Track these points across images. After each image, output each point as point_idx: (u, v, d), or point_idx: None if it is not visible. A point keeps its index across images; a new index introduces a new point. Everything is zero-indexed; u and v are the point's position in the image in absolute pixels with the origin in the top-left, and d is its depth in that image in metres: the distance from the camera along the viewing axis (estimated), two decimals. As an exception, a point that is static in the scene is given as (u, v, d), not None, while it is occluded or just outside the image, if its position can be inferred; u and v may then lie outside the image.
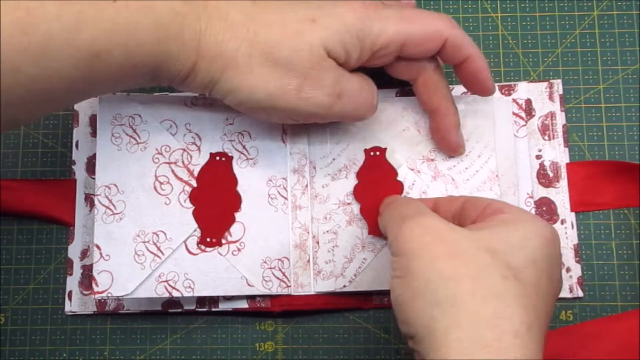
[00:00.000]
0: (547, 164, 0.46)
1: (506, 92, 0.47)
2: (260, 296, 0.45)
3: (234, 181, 0.45)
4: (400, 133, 0.45)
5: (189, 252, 0.43)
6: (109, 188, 0.43)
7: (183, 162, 0.44)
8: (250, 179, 0.45)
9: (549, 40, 0.49)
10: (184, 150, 0.44)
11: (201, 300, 0.45)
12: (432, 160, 0.45)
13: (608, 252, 0.46)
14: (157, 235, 0.43)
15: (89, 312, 0.46)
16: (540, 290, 0.33)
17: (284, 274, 0.44)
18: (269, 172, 0.45)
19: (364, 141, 0.45)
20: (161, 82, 0.38)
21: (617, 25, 0.48)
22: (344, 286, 0.44)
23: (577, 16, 0.49)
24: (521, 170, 0.45)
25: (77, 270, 0.46)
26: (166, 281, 0.43)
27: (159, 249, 0.43)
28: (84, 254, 0.47)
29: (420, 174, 0.44)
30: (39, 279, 0.47)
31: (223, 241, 0.44)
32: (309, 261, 0.45)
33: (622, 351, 0.43)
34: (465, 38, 0.40)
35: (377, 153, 0.45)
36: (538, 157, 0.46)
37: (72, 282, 0.46)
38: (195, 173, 0.44)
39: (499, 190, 0.44)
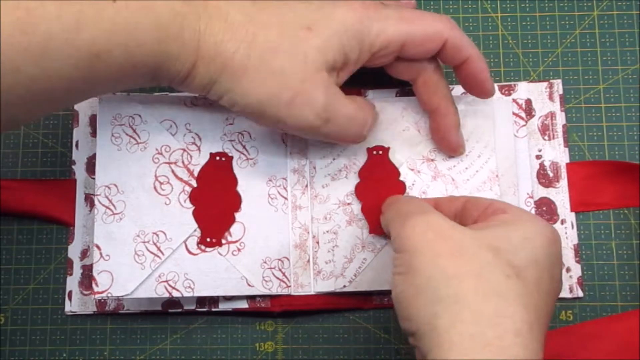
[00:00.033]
0: (547, 164, 0.46)
1: (506, 92, 0.47)
2: (260, 296, 0.45)
3: (234, 181, 0.45)
4: (400, 133, 0.45)
5: (189, 252, 0.43)
6: (109, 188, 0.43)
7: (183, 162, 0.44)
8: (250, 179, 0.45)
9: (549, 40, 0.49)
10: (184, 150, 0.44)
11: (201, 300, 0.45)
12: (432, 160, 0.45)
13: (608, 252, 0.46)
14: (157, 235, 0.43)
15: (89, 312, 0.46)
16: (542, 289, 0.33)
17: (284, 274, 0.44)
18: (269, 172, 0.45)
19: (364, 141, 0.45)
20: (161, 82, 0.38)
21: (617, 25, 0.48)
22: (344, 286, 0.44)
23: (577, 16, 0.49)
24: (521, 170, 0.45)
25: (77, 270, 0.46)
26: (166, 281, 0.43)
27: (159, 249, 0.43)
28: (84, 254, 0.47)
29: (420, 174, 0.45)
30: (39, 279, 0.47)
31: (223, 241, 0.44)
32: (309, 261, 0.45)
33: (622, 351, 0.43)
34: (465, 39, 0.40)
35: (380, 152, 0.45)
36: (538, 157, 0.46)
37: (72, 282, 0.46)
38: (195, 173, 0.44)
39: (499, 190, 0.44)
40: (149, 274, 0.43)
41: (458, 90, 0.46)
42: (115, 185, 0.44)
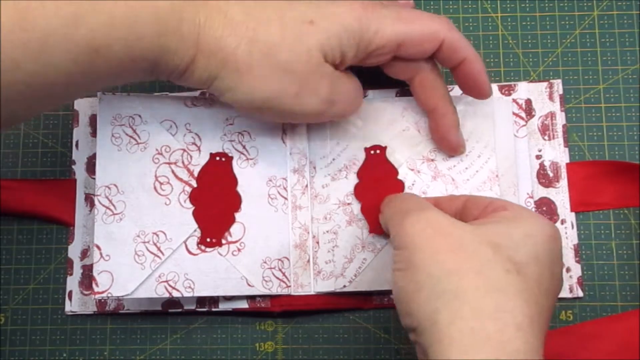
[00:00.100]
0: (547, 164, 0.46)
1: (506, 92, 0.47)
2: (260, 296, 0.45)
3: (234, 181, 0.45)
4: (400, 133, 0.45)
5: (189, 252, 0.43)
6: (109, 188, 0.43)
7: (183, 162, 0.44)
8: (250, 179, 0.45)
9: (549, 40, 0.49)
10: (184, 150, 0.44)
11: (201, 300, 0.45)
12: (432, 160, 0.45)
13: (608, 252, 0.46)
14: (157, 235, 0.43)
15: (89, 312, 0.46)
16: (542, 286, 0.33)
17: (284, 274, 0.44)
18: (269, 172, 0.45)
19: (364, 141, 0.45)
20: (159, 76, 0.38)
21: (617, 25, 0.48)
22: (344, 286, 0.44)
23: (577, 16, 0.49)
24: (521, 170, 0.45)
25: (77, 270, 0.46)
26: (166, 281, 0.43)
27: (159, 249, 0.43)
28: (84, 254, 0.47)
29: (420, 174, 0.45)
30: (39, 279, 0.47)
31: (223, 241, 0.44)
32: (309, 261, 0.45)
33: (622, 351, 0.43)
34: (462, 40, 0.40)
35: (378, 151, 0.45)
36: (538, 157, 0.46)
37: (72, 282, 0.46)
38: (195, 173, 0.44)
39: (499, 190, 0.44)
40: (149, 274, 0.43)
41: (458, 90, 0.46)
42: (115, 185, 0.44)
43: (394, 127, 0.45)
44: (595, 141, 0.47)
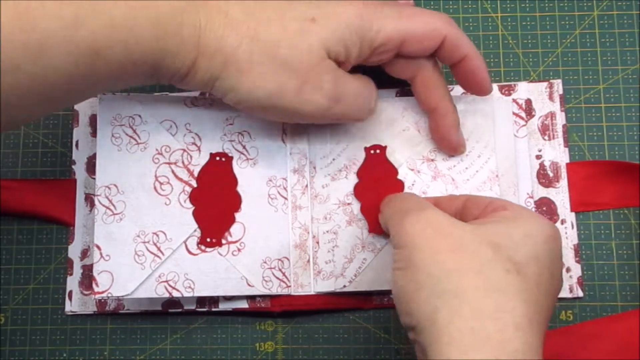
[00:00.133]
0: (547, 164, 0.46)
1: (506, 92, 0.47)
2: (260, 296, 0.45)
3: (234, 181, 0.45)
4: (400, 133, 0.45)
5: (189, 252, 0.43)
6: (109, 188, 0.44)
7: (183, 162, 0.44)
8: (250, 179, 0.45)
9: (549, 40, 0.49)
10: (184, 150, 0.44)
11: (201, 300, 0.45)
12: (432, 160, 0.45)
13: (608, 252, 0.46)
14: (157, 235, 0.43)
15: (89, 312, 0.46)
16: (542, 286, 0.33)
17: (284, 274, 0.44)
18: (269, 172, 0.45)
19: (364, 141, 0.45)
20: (161, 80, 0.38)
21: (617, 25, 0.48)
22: (344, 286, 0.44)
23: (577, 16, 0.49)
24: (521, 170, 0.45)
25: (77, 270, 0.46)
26: (166, 281, 0.43)
27: (159, 249, 0.43)
28: (84, 254, 0.47)
29: (420, 174, 0.44)
30: (39, 279, 0.47)
31: (223, 241, 0.44)
32: (309, 261, 0.45)
33: (622, 351, 0.43)
34: (463, 37, 0.41)
35: (378, 151, 0.45)
36: (538, 157, 0.46)
37: (72, 282, 0.46)
38: (195, 173, 0.44)
39: (499, 190, 0.44)
40: (149, 274, 0.43)
41: (458, 90, 0.46)
42: (115, 185, 0.44)
43: (394, 127, 0.45)
44: (595, 141, 0.47)
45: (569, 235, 0.46)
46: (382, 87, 0.47)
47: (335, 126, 0.45)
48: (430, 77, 0.42)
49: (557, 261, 0.35)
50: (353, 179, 0.45)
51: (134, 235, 0.43)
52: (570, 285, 0.45)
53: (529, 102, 0.47)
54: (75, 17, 0.33)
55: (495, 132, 0.45)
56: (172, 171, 0.44)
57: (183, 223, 0.43)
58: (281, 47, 0.37)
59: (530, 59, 0.48)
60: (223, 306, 0.45)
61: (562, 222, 0.46)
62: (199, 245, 0.43)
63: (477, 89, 0.42)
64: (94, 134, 0.48)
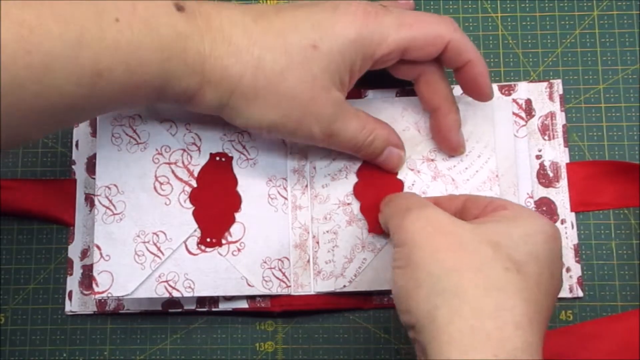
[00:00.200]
0: (547, 164, 0.46)
1: (506, 92, 0.47)
2: (260, 296, 0.45)
3: (234, 181, 0.45)
4: (400, 133, 0.45)
5: (189, 252, 0.43)
6: (109, 188, 0.44)
7: (183, 162, 0.44)
8: (250, 179, 0.45)
9: (549, 40, 0.49)
10: (184, 150, 0.44)
11: (201, 300, 0.45)
12: (432, 160, 0.45)
13: (608, 252, 0.46)
14: (157, 235, 0.43)
15: (89, 312, 0.46)
16: (542, 285, 0.33)
17: (284, 274, 0.44)
18: (269, 172, 0.45)
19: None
20: (167, 101, 0.38)
21: (617, 25, 0.48)
22: (344, 286, 0.44)
23: (577, 16, 0.49)
24: (521, 170, 0.45)
25: (77, 270, 0.46)
26: (166, 281, 0.43)
27: (159, 249, 0.43)
28: (84, 254, 0.47)
29: (420, 174, 0.44)
30: (39, 279, 0.47)
31: (223, 241, 0.44)
32: (309, 261, 0.45)
33: (622, 351, 0.43)
34: (466, 42, 0.40)
35: (377, 151, 0.45)
36: (538, 157, 0.46)
37: (72, 282, 0.46)
38: (195, 173, 0.44)
39: (499, 190, 0.44)
40: (149, 274, 0.43)
41: (458, 90, 0.46)
42: (115, 185, 0.44)
43: (393, 127, 0.45)
44: (595, 141, 0.47)
45: (569, 235, 0.46)
46: (382, 87, 0.47)
47: (336, 126, 0.45)
48: (434, 77, 0.42)
49: (557, 261, 0.35)
50: (353, 179, 0.45)
51: (134, 235, 0.43)
52: (570, 285, 0.45)
53: (529, 102, 0.47)
54: (79, 38, 0.33)
55: (495, 132, 0.45)
56: (172, 171, 0.44)
57: (183, 223, 0.43)
58: (286, 78, 0.38)
59: (530, 59, 0.48)
60: (223, 306, 0.45)
61: (562, 222, 0.46)
62: (199, 245, 0.43)
63: (478, 94, 0.42)
64: (94, 134, 0.48)
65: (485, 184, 0.44)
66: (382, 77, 0.44)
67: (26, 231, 0.48)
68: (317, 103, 0.39)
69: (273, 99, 0.38)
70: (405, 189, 0.44)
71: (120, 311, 0.46)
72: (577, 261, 0.45)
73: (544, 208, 0.46)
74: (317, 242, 0.45)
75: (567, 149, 0.47)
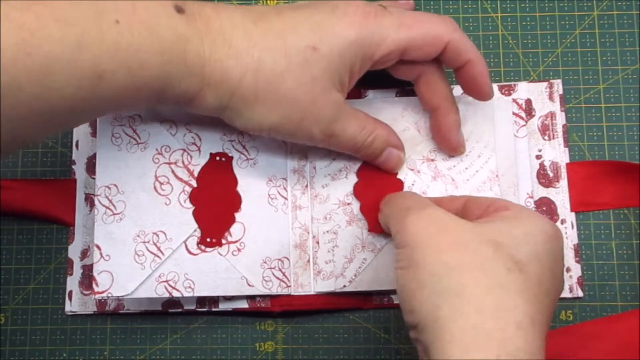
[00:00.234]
0: (547, 164, 0.46)
1: (506, 92, 0.47)
2: (260, 296, 0.45)
3: (234, 181, 0.45)
4: (400, 133, 0.45)
5: (189, 252, 0.43)
6: (109, 188, 0.44)
7: (183, 162, 0.44)
8: (250, 179, 0.45)
9: (549, 40, 0.49)
10: (184, 150, 0.44)
11: (201, 300, 0.45)
12: (432, 160, 0.45)
13: (608, 252, 0.46)
14: (157, 235, 0.43)
15: (89, 312, 0.46)
16: (543, 285, 0.33)
17: (284, 274, 0.44)
18: (269, 172, 0.45)
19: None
20: (167, 103, 0.38)
21: (617, 25, 0.48)
22: (344, 286, 0.44)
23: (577, 16, 0.49)
24: (521, 170, 0.45)
25: (77, 270, 0.46)
26: (166, 281, 0.43)
27: (159, 249, 0.43)
28: (84, 254, 0.47)
29: (420, 174, 0.44)
30: (39, 279, 0.47)
31: (223, 241, 0.44)
32: (309, 261, 0.45)
33: (622, 351, 0.43)
34: (466, 42, 0.40)
35: (378, 151, 0.45)
36: (538, 157, 0.46)
37: (72, 282, 0.46)
38: (195, 173, 0.44)
39: (499, 190, 0.44)
40: (149, 274, 0.43)
41: (458, 90, 0.46)
42: (115, 185, 0.44)
43: (393, 127, 0.45)
44: (595, 141, 0.47)
45: (569, 235, 0.46)
46: (382, 87, 0.47)
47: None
48: (433, 77, 0.42)
49: (559, 261, 0.35)
50: (353, 179, 0.45)
51: (134, 235, 0.43)
52: (570, 285, 0.45)
53: (529, 102, 0.47)
54: (80, 40, 0.33)
55: (495, 132, 0.45)
56: (172, 171, 0.44)
57: (183, 223, 0.43)
58: (286, 80, 0.38)
59: (530, 59, 0.48)
60: (223, 306, 0.45)
61: (562, 222, 0.46)
62: (199, 245, 0.43)
63: (478, 94, 0.42)
64: (94, 134, 0.48)
65: (485, 184, 0.44)
66: (382, 77, 0.44)
67: (26, 231, 0.48)
68: (317, 104, 0.39)
69: (273, 100, 0.38)
70: (405, 189, 0.44)
71: (120, 311, 0.46)
72: (577, 261, 0.45)
73: (544, 208, 0.46)
74: (317, 242, 0.45)
75: (567, 149, 0.47)
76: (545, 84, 0.47)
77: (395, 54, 0.40)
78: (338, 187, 0.45)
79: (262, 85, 0.37)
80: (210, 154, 0.45)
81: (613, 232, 0.46)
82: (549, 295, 0.33)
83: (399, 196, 0.40)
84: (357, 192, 0.44)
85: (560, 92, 0.47)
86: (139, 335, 0.46)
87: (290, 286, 0.44)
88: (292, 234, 0.45)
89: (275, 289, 0.44)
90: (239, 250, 0.44)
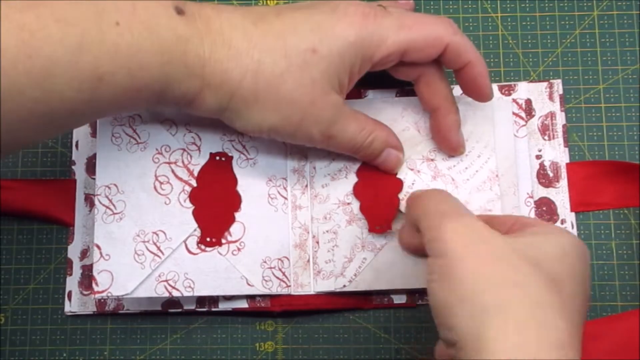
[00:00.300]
0: (547, 164, 0.46)
1: (506, 92, 0.47)
2: (260, 296, 0.45)
3: (234, 181, 0.45)
4: (400, 133, 0.45)
5: (189, 251, 0.43)
6: (109, 188, 0.44)
7: (183, 162, 0.44)
8: (250, 178, 0.45)
9: (549, 40, 0.49)
10: (184, 150, 0.44)
11: (201, 300, 0.45)
12: (432, 160, 0.45)
13: (608, 252, 0.46)
14: (157, 235, 0.43)
15: (89, 312, 0.46)
16: (576, 303, 0.32)
17: (283, 273, 0.44)
18: (269, 172, 0.45)
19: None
20: (167, 105, 0.38)
21: (617, 25, 0.48)
22: (344, 286, 0.44)
23: (577, 16, 0.49)
24: (521, 170, 0.45)
25: (76, 271, 0.46)
26: (166, 281, 0.43)
27: (158, 248, 0.43)
28: (84, 254, 0.47)
29: (420, 173, 0.44)
30: (39, 279, 0.47)
31: (223, 241, 0.44)
32: (308, 261, 0.45)
33: (622, 351, 0.43)
34: (466, 44, 0.40)
35: (377, 150, 0.45)
36: (538, 157, 0.46)
37: (72, 282, 0.46)
38: (195, 173, 0.44)
39: (499, 190, 0.44)
40: (149, 274, 0.43)
41: (458, 90, 0.46)
42: (115, 185, 0.44)
43: (393, 127, 0.45)
44: (595, 141, 0.47)
45: (569, 235, 0.46)
46: (382, 87, 0.47)
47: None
48: (433, 77, 0.42)
49: (589, 278, 0.34)
50: (353, 179, 0.45)
51: (134, 234, 0.43)
52: (571, 285, 0.45)
53: (529, 102, 0.47)
54: (80, 42, 0.33)
55: (495, 132, 0.45)
56: (172, 171, 0.44)
57: (183, 222, 0.43)
58: (285, 81, 0.38)
59: (530, 59, 0.48)
60: (223, 306, 0.45)
61: (562, 222, 0.46)
62: (199, 245, 0.43)
63: (477, 95, 0.42)
64: (93, 134, 0.48)
65: (485, 183, 0.44)
66: (382, 77, 0.44)
67: (26, 231, 0.48)
68: (317, 106, 0.39)
69: (273, 102, 0.38)
70: (405, 189, 0.44)
71: (120, 311, 0.46)
72: (577, 261, 0.45)
73: (544, 208, 0.46)
74: (317, 242, 0.45)
75: (567, 149, 0.47)
76: (545, 84, 0.47)
77: (395, 56, 0.40)
78: (338, 187, 0.45)
79: (262, 86, 0.38)
80: (210, 153, 0.45)
81: (613, 232, 0.46)
82: (581, 313, 0.32)
83: (432, 197, 0.37)
84: (357, 191, 0.44)
85: (560, 92, 0.47)
86: (139, 335, 0.46)
87: (290, 286, 0.44)
88: (292, 233, 0.45)
89: (275, 288, 0.44)
90: (238, 249, 0.44)
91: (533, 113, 0.47)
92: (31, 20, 0.32)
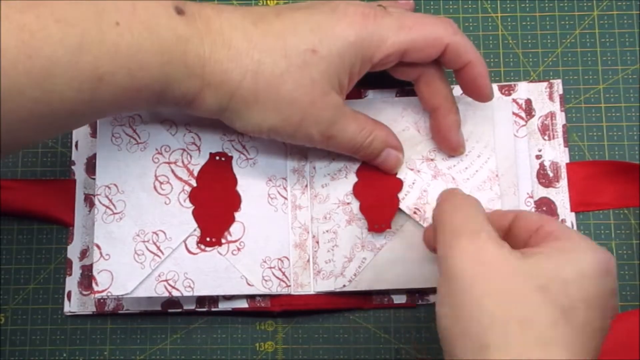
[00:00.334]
0: (547, 164, 0.46)
1: (506, 92, 0.47)
2: (260, 296, 0.45)
3: (234, 181, 0.45)
4: (400, 133, 0.45)
5: (189, 251, 0.43)
6: (109, 188, 0.44)
7: (183, 162, 0.44)
8: (250, 178, 0.45)
9: (549, 40, 0.49)
10: (184, 150, 0.44)
11: (201, 300, 0.45)
12: (432, 160, 0.45)
13: (608, 252, 0.46)
14: (157, 234, 0.43)
15: (88, 312, 0.46)
16: (589, 328, 0.31)
17: (283, 273, 0.44)
18: (268, 172, 0.45)
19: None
20: (167, 105, 0.38)
21: (617, 25, 0.48)
22: (344, 286, 0.44)
23: (577, 16, 0.49)
24: (521, 170, 0.45)
25: (76, 271, 0.46)
26: (166, 280, 0.43)
27: (158, 248, 0.43)
28: (84, 254, 0.47)
29: (420, 173, 0.44)
30: (39, 279, 0.47)
31: (223, 241, 0.44)
32: (308, 261, 0.45)
33: (622, 351, 0.43)
34: (466, 44, 0.40)
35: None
36: (538, 157, 0.46)
37: (71, 283, 0.46)
38: (195, 173, 0.44)
39: (499, 190, 0.44)
40: (148, 274, 0.43)
41: (458, 90, 0.46)
42: (115, 185, 0.44)
43: (393, 127, 0.45)
44: (595, 141, 0.47)
45: (569, 235, 0.45)
46: (382, 87, 0.47)
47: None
48: (433, 77, 0.42)
49: (611, 298, 0.32)
50: (352, 179, 0.45)
51: (134, 234, 0.43)
52: (571, 285, 0.45)
53: (529, 102, 0.47)
54: (80, 42, 0.33)
55: (495, 132, 0.45)
56: (172, 171, 0.44)
57: (183, 222, 0.43)
58: (285, 82, 0.38)
59: (530, 59, 0.48)
60: (223, 306, 0.45)
61: (562, 222, 0.46)
62: (199, 245, 0.43)
63: (477, 95, 0.42)
64: (93, 134, 0.48)
65: (485, 183, 0.44)
66: (382, 77, 0.44)
67: (26, 231, 0.48)
68: (316, 106, 0.39)
69: (273, 102, 0.38)
70: (405, 188, 0.44)
71: (120, 311, 0.46)
72: (577, 261, 0.45)
73: (544, 208, 0.46)
74: (317, 242, 0.45)
75: (567, 149, 0.47)
76: (545, 84, 0.47)
77: (394, 56, 0.40)
78: (338, 187, 0.45)
79: (261, 86, 0.38)
80: (210, 153, 0.45)
81: (613, 232, 0.46)
82: (595, 338, 0.31)
83: (450, 204, 0.36)
84: (357, 191, 0.44)
85: (560, 92, 0.47)
86: (139, 335, 0.46)
87: (290, 286, 0.44)
88: (292, 233, 0.45)
89: (275, 288, 0.44)
90: (238, 249, 0.44)
91: (533, 113, 0.47)
92: (31, 20, 0.32)
